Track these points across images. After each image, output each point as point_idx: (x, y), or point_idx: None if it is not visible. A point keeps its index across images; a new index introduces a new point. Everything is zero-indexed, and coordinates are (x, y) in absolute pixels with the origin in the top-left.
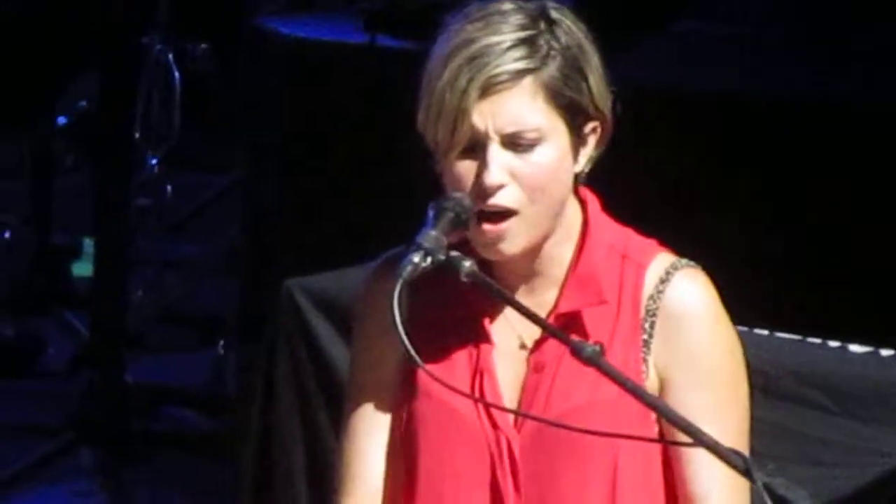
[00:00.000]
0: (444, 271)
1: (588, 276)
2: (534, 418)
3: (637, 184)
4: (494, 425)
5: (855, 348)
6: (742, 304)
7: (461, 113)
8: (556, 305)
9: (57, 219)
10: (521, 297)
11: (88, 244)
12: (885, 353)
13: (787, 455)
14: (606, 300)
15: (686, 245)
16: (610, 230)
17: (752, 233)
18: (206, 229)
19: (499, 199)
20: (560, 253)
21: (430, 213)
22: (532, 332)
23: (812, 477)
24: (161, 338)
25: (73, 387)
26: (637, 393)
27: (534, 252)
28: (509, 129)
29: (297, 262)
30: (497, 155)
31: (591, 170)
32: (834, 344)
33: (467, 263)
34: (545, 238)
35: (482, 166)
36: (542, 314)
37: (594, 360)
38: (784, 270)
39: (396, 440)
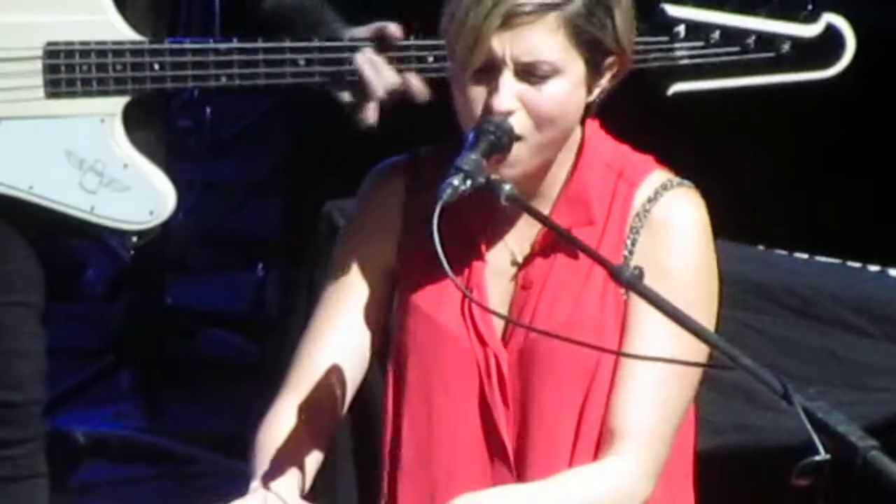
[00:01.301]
0: (445, 176)
1: (579, 196)
2: (528, 328)
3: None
4: (483, 342)
5: (893, 271)
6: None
7: (481, 35)
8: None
9: None
10: (515, 215)
11: None
12: None
13: (827, 379)
14: (594, 221)
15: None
16: (607, 148)
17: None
18: (247, 152)
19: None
20: (556, 173)
21: (471, 136)
22: (524, 250)
23: (852, 401)
24: (201, 260)
25: (113, 310)
26: (677, 317)
27: (534, 175)
28: (525, 59)
29: (338, 185)
30: (509, 82)
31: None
32: (874, 268)
33: (507, 187)
34: (548, 163)
35: (493, 91)
36: (533, 233)
37: (633, 284)
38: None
39: (389, 361)
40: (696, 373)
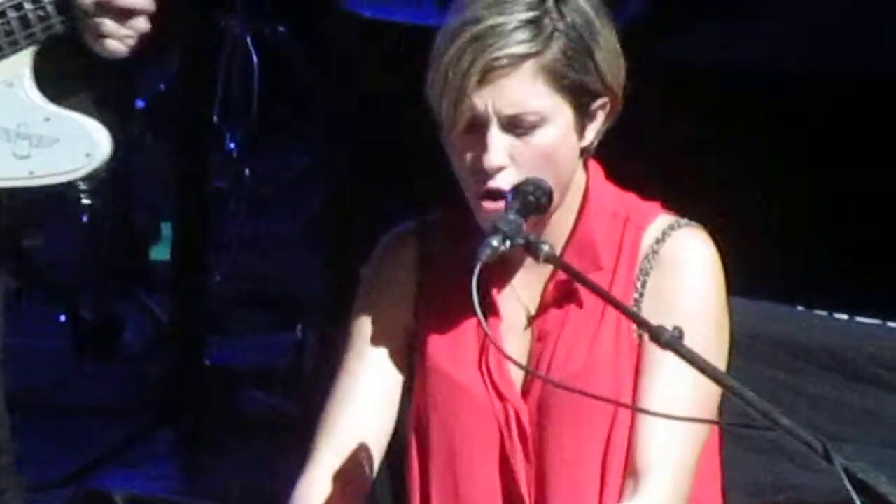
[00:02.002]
0: (455, 238)
1: (586, 242)
2: (550, 381)
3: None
4: (501, 397)
5: None
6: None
7: (462, 93)
8: (553, 273)
9: (136, 202)
10: (522, 268)
11: (167, 227)
12: None
13: (865, 438)
14: (602, 266)
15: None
16: (613, 196)
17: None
18: (285, 211)
19: (498, 182)
20: (561, 221)
21: (510, 197)
22: (535, 301)
23: (892, 460)
24: (240, 320)
25: (151, 369)
26: (716, 376)
27: (538, 223)
28: (509, 112)
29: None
30: (497, 137)
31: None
32: None
33: (545, 247)
34: (551, 211)
35: (482, 147)
36: (542, 282)
37: (672, 345)
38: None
39: (409, 423)
40: (713, 407)
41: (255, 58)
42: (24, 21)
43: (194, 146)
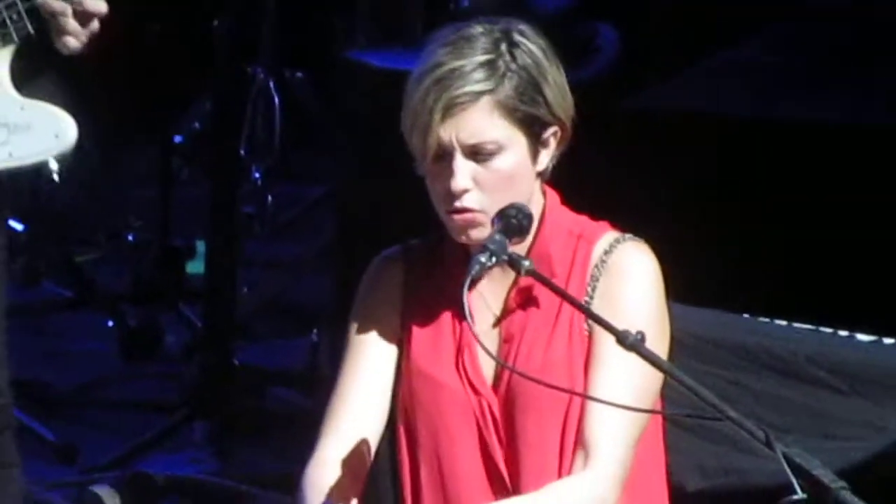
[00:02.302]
0: (434, 259)
1: (542, 255)
2: (527, 377)
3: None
4: (476, 392)
5: (862, 337)
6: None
7: (429, 127)
8: (515, 282)
9: (174, 224)
10: (489, 275)
11: (201, 246)
12: (888, 341)
13: (803, 429)
14: (556, 275)
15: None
16: (567, 217)
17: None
18: (302, 233)
19: (464, 202)
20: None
21: (496, 219)
22: (499, 306)
23: (825, 448)
24: (264, 327)
25: (187, 369)
26: (672, 373)
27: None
28: (470, 142)
29: None
30: (461, 164)
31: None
32: (843, 333)
33: (527, 263)
34: None
35: (450, 173)
36: (505, 289)
37: (636, 347)
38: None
39: (399, 414)
40: (654, 394)
41: (276, 100)
42: (1, 24)
43: (225, 177)
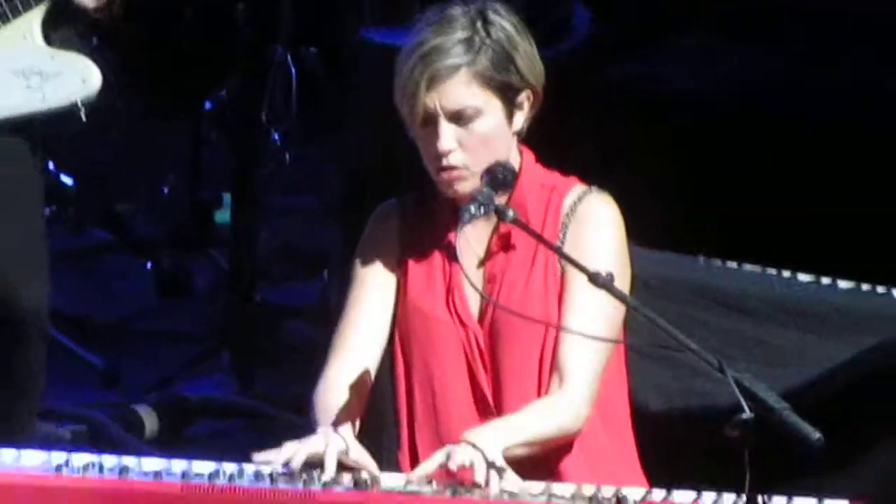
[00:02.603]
0: (426, 211)
1: (519, 205)
2: (509, 311)
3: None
4: (464, 325)
5: (802, 277)
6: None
7: (416, 97)
8: (496, 228)
9: (204, 179)
10: (474, 222)
11: (227, 198)
12: (825, 280)
13: (751, 358)
14: (531, 222)
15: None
16: (541, 173)
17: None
18: (315, 188)
19: (450, 160)
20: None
21: (484, 174)
22: (483, 249)
23: (769, 375)
24: (281, 269)
25: (215, 305)
26: (637, 308)
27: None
28: (452, 107)
29: None
30: (445, 128)
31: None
32: (786, 273)
33: (510, 212)
34: None
35: (436, 136)
36: (487, 235)
37: (606, 285)
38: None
39: (396, 345)
40: (618, 325)
41: (293, 73)
42: None
43: (248, 138)
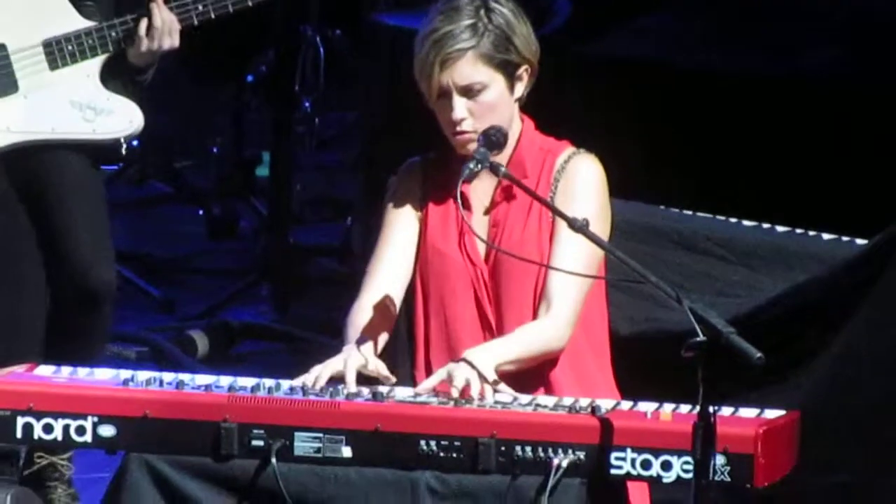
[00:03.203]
0: (443, 167)
1: (518, 162)
2: (506, 253)
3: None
4: (472, 263)
5: (746, 222)
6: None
7: (431, 76)
8: (498, 183)
9: (247, 140)
10: (483, 175)
11: (266, 156)
12: (765, 225)
13: (703, 290)
14: (528, 177)
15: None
16: (539, 139)
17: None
18: (340, 146)
19: (462, 126)
20: (505, 151)
21: (480, 137)
22: (487, 199)
23: (718, 304)
24: (312, 214)
25: (256, 245)
26: (606, 248)
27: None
28: (462, 83)
29: (398, 169)
30: (458, 100)
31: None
32: (733, 219)
33: (503, 168)
34: None
35: (450, 108)
36: (492, 189)
37: (582, 229)
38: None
39: (417, 279)
40: (598, 261)
41: (321, 51)
42: (101, 38)
43: (283, 105)
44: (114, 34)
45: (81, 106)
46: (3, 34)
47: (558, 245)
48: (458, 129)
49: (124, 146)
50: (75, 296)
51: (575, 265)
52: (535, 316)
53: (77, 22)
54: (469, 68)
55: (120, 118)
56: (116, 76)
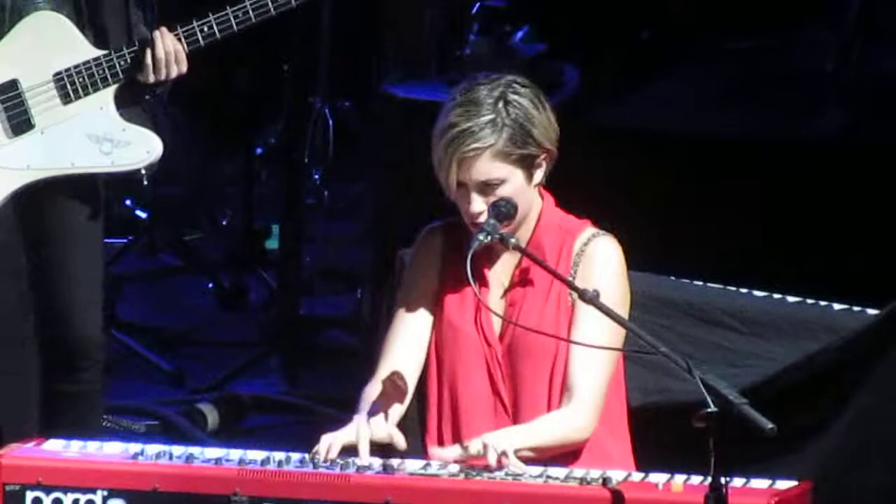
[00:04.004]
0: (463, 237)
1: (537, 245)
2: (522, 326)
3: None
4: (487, 342)
5: (757, 293)
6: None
7: (449, 173)
8: (518, 263)
9: (256, 211)
10: (500, 258)
11: (276, 228)
12: (776, 295)
13: (714, 360)
14: (547, 259)
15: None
16: (558, 216)
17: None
18: (349, 217)
19: (480, 220)
20: (524, 232)
21: (490, 210)
22: (507, 279)
23: (730, 374)
24: (322, 286)
25: (266, 317)
26: (619, 320)
27: (511, 231)
28: (480, 179)
29: (408, 240)
30: (475, 196)
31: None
32: (743, 290)
33: (513, 239)
34: (516, 227)
35: (469, 200)
36: (511, 269)
37: (593, 301)
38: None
39: (432, 350)
40: (618, 342)
41: (330, 122)
42: (111, 67)
43: (293, 177)
44: (122, 62)
45: (98, 139)
46: (13, 68)
47: (579, 328)
48: (476, 221)
49: (144, 176)
50: (59, 350)
51: (596, 350)
52: (550, 401)
53: (85, 51)
54: (487, 165)
55: (137, 149)
56: (130, 94)
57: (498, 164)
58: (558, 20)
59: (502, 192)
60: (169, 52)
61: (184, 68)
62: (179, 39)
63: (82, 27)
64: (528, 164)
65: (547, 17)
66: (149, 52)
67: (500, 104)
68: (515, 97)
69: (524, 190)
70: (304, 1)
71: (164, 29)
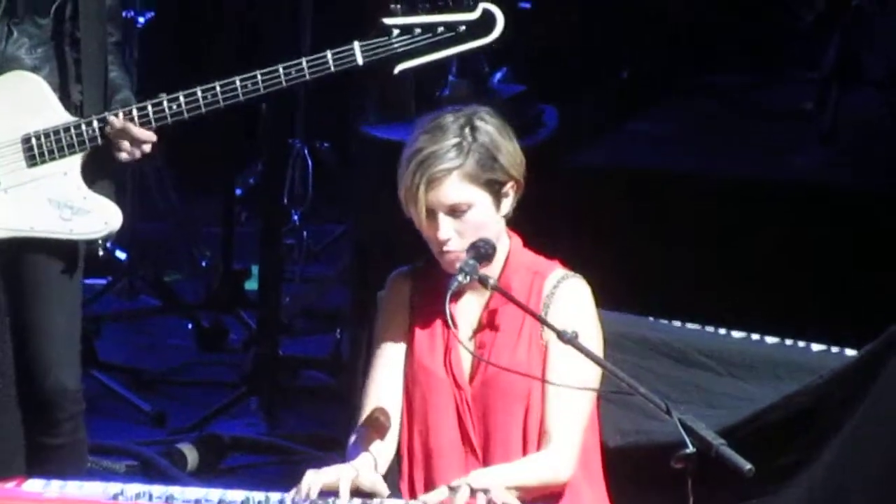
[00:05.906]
0: (432, 278)
1: (506, 286)
2: (495, 366)
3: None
4: (457, 384)
5: (735, 333)
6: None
7: (416, 198)
8: (487, 303)
9: (236, 252)
10: (469, 294)
11: (255, 269)
12: (754, 336)
13: (692, 401)
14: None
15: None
16: (528, 257)
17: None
18: (329, 259)
19: (448, 247)
20: (492, 271)
21: (469, 249)
22: (475, 320)
23: (708, 415)
24: (301, 326)
25: (246, 358)
26: (597, 360)
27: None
28: (447, 203)
29: (385, 280)
30: (443, 220)
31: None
32: (722, 331)
33: (492, 280)
34: (485, 265)
35: (436, 227)
36: (480, 309)
37: (571, 341)
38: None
39: (403, 393)
40: (594, 383)
41: (309, 163)
42: (79, 136)
43: (272, 218)
44: (91, 132)
45: (59, 204)
46: None
47: (554, 368)
48: (445, 248)
49: (101, 247)
50: (36, 404)
51: (571, 390)
52: (525, 444)
53: (57, 116)
54: (454, 189)
55: (96, 219)
56: (96, 170)
57: (466, 186)
58: (537, 61)
59: (470, 217)
60: (136, 140)
61: (149, 149)
62: (132, 120)
63: (67, 84)
64: (496, 191)
65: (526, 58)
66: (107, 128)
67: (467, 129)
68: (481, 123)
69: (492, 218)
70: (266, 95)
71: (119, 112)
